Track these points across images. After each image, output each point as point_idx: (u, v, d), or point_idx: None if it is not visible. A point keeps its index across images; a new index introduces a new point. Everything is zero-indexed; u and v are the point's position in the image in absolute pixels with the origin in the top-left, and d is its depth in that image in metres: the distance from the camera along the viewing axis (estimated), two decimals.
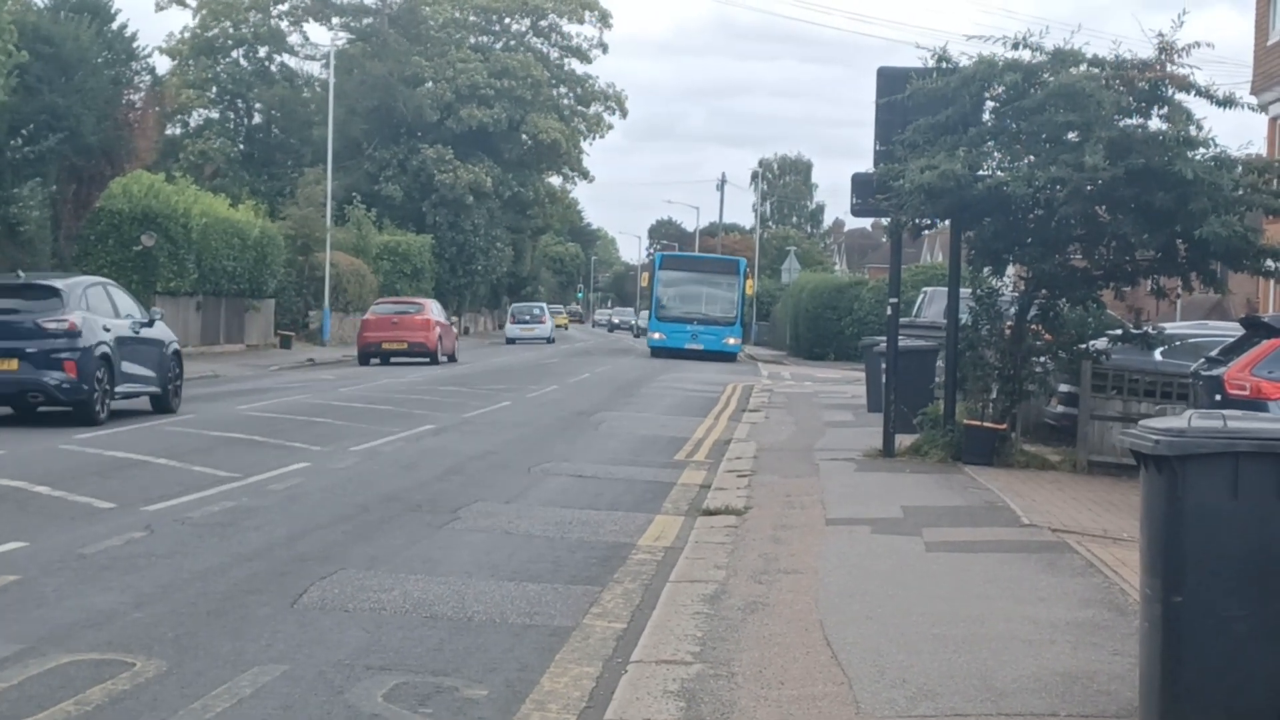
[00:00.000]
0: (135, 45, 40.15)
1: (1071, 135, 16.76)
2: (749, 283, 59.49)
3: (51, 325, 20.05)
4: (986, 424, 17.64)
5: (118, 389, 21.12)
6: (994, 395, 18.00)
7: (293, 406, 24.60)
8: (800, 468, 17.51)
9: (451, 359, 44.66)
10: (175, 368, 23.08)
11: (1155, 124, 17.01)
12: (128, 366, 21.39)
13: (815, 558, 11.23)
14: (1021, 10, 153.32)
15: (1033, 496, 14.82)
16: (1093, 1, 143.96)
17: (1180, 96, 16.78)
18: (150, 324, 22.50)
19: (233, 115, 76.24)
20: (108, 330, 20.95)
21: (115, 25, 39.12)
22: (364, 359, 42.98)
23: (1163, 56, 16.77)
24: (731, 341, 54.77)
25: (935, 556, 11.43)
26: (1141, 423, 7.11)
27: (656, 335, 55.49)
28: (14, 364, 19.92)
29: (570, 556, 11.67)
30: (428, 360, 42.88)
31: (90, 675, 7.56)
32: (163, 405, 22.61)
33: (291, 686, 7.52)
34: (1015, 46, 17.27)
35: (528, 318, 71.35)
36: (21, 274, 22.49)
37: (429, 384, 32.16)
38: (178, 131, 71.44)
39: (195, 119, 74.57)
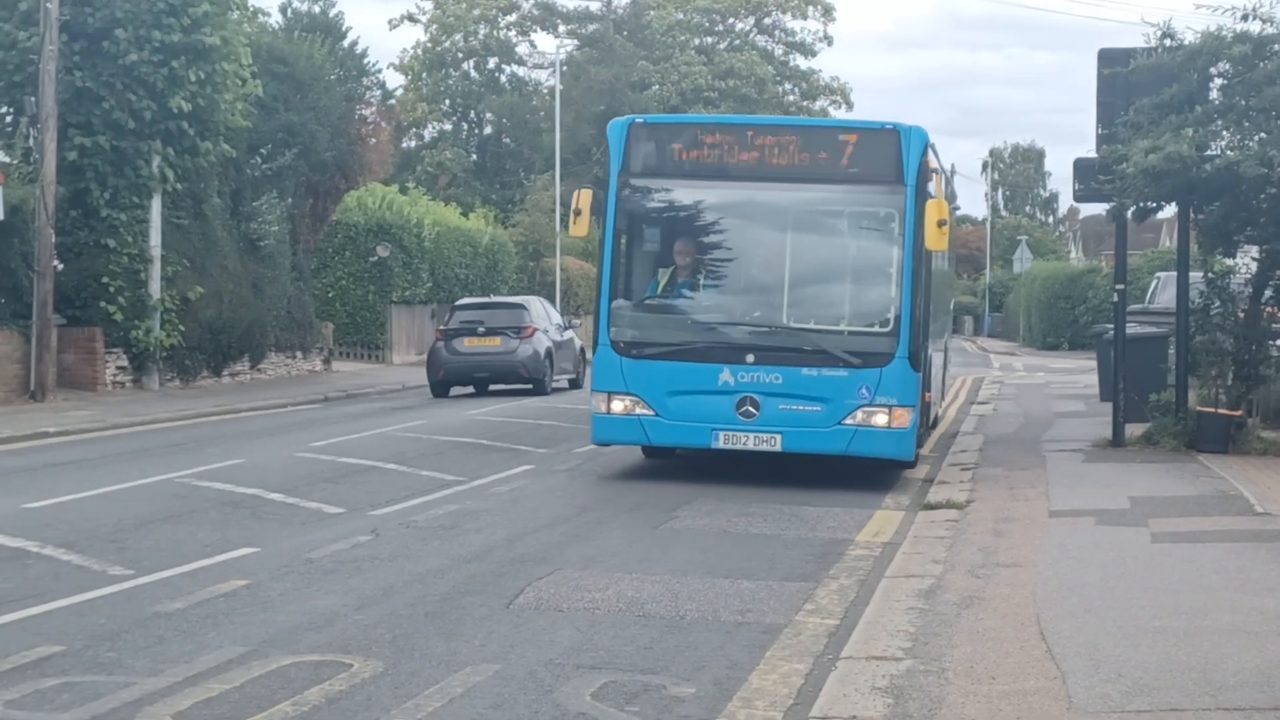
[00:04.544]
0: (366, 61, 41.24)
1: None
2: (936, 205, 14.74)
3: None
4: (1221, 410, 17.09)
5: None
6: (1229, 381, 17.43)
7: (522, 410, 24.99)
8: (1026, 459, 17.18)
9: None
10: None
11: None
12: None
13: (1035, 551, 11.01)
14: None
15: (1269, 484, 14.31)
16: None
17: None
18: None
19: (465, 126, 77.81)
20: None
21: (346, 43, 40.26)
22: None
23: None
24: (883, 419, 14.94)
25: (1161, 548, 11.11)
26: None
27: (614, 404, 15.55)
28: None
29: (786, 553, 11.63)
30: None
31: (309, 676, 7.78)
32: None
33: (502, 686, 7.64)
34: (1245, 18, 16.71)
35: None
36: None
37: None
38: (413, 144, 73.29)
39: (430, 131, 76.37)
